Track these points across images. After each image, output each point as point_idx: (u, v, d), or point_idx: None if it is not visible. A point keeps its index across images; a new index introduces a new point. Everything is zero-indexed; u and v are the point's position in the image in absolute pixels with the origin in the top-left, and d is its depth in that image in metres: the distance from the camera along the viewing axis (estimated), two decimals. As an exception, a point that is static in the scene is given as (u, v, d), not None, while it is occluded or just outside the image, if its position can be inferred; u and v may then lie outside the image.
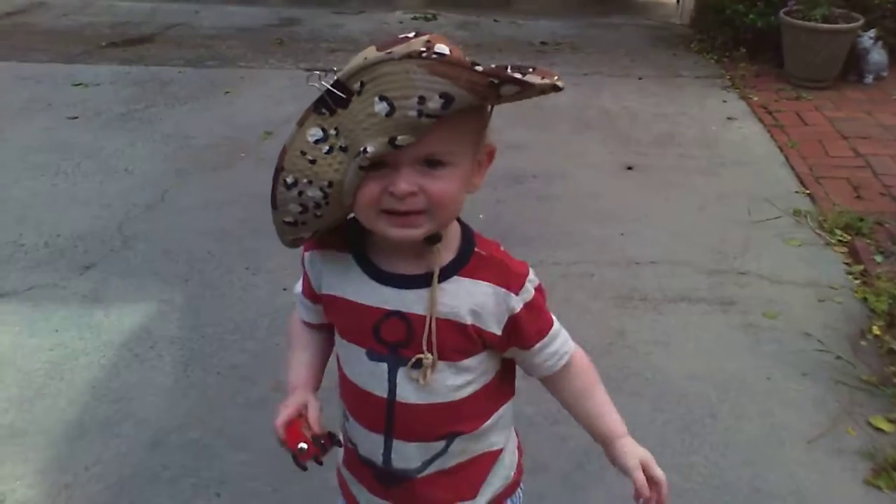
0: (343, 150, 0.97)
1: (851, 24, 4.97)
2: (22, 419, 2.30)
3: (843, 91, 5.05)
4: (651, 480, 1.15)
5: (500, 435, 1.23)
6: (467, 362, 1.11)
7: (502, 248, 1.15)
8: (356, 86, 0.93)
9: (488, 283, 1.09)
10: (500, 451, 1.24)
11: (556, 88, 0.94)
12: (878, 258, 3.10)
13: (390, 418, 1.13)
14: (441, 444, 1.15)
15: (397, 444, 1.14)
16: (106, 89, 4.94)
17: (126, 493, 2.06)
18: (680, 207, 3.60)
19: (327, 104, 0.96)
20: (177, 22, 6.36)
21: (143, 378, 2.47)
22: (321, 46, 5.91)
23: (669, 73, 5.46)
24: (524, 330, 1.12)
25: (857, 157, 4.11)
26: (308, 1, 6.98)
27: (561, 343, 1.18)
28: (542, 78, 0.94)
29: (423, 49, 0.92)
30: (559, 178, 3.80)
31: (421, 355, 1.07)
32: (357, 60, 0.94)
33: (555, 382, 1.21)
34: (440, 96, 0.89)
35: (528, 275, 1.12)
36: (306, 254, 1.17)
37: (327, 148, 0.97)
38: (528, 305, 1.11)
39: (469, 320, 1.08)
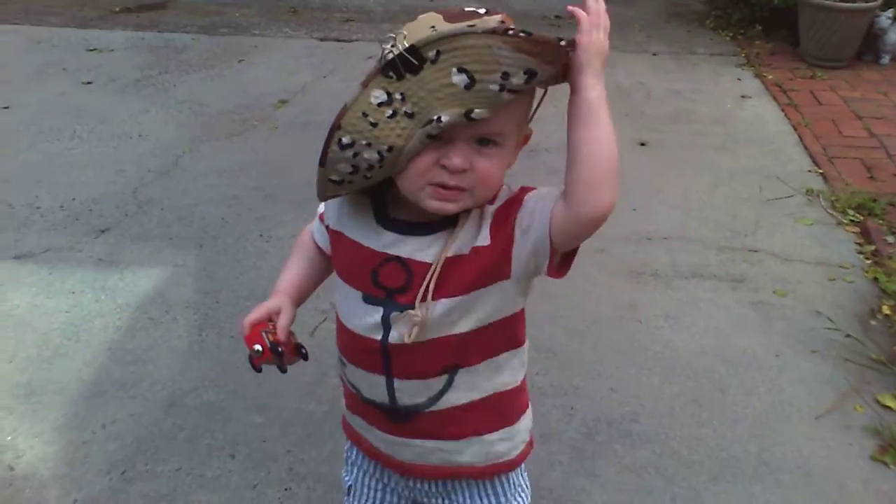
0: (409, 115, 0.95)
1: (870, 4, 4.93)
2: (40, 378, 2.33)
3: (858, 71, 5.01)
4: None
5: (511, 376, 1.19)
6: (464, 298, 1.06)
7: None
8: (431, 53, 0.92)
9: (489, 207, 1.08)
10: (516, 389, 1.20)
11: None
12: (890, 239, 3.10)
13: (387, 360, 1.12)
14: (443, 378, 1.13)
15: (399, 383, 1.13)
16: (120, 55, 4.94)
17: (142, 453, 2.10)
18: (692, 184, 3.59)
19: (397, 68, 0.94)
20: (190, -12, 6.35)
21: (158, 341, 2.50)
22: (335, 16, 5.89)
23: (684, 49, 5.43)
24: (502, 220, 1.05)
25: (871, 137, 4.09)
26: (322, -30, 6.93)
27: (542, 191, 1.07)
28: None
29: (506, 28, 0.92)
30: (572, 153, 3.79)
31: (412, 311, 1.05)
32: (424, 30, 0.93)
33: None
34: (525, 72, 0.91)
35: (509, 188, 1.09)
36: None
37: (391, 112, 0.96)
38: (500, 205, 1.07)
39: (469, 249, 1.05)
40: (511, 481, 1.26)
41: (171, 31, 5.40)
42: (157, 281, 2.79)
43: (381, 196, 1.11)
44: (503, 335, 1.15)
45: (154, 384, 2.33)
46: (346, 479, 1.35)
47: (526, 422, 1.26)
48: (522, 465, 1.28)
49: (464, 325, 1.09)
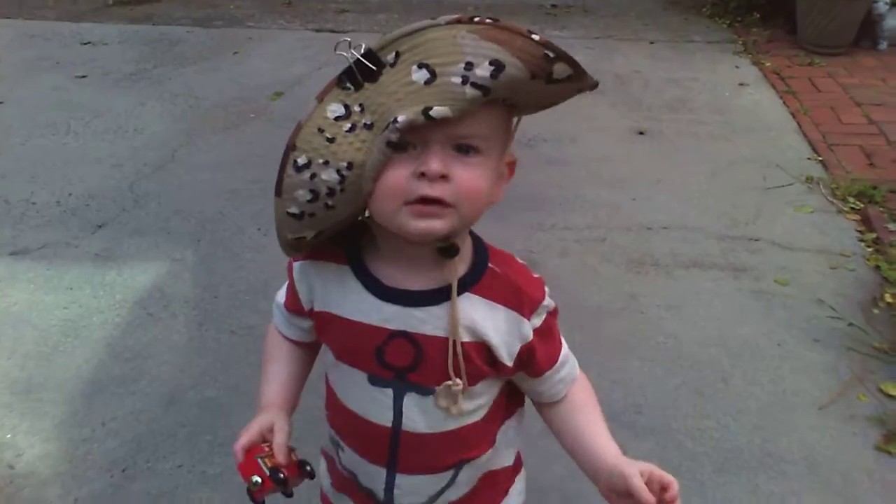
0: (368, 127, 0.85)
1: (868, -10, 4.91)
2: (39, 375, 2.32)
3: (856, 58, 4.99)
4: (658, 484, 0.93)
5: (507, 453, 1.15)
6: (478, 387, 1.02)
7: (519, 261, 1.06)
8: (390, 56, 0.83)
9: (502, 306, 0.99)
10: (509, 468, 1.16)
11: (594, 87, 0.89)
12: (892, 226, 3.09)
13: (394, 449, 1.03)
14: (449, 474, 1.06)
15: (401, 479, 1.05)
16: (114, 48, 4.91)
17: (143, 450, 2.08)
18: (691, 173, 3.58)
19: (353, 77, 0.85)
20: (183, -20, 6.30)
21: (157, 337, 2.48)
22: (330, 7, 5.85)
23: (681, 37, 5.40)
24: (535, 358, 1.03)
25: (870, 124, 4.07)
26: (316, -40, 6.89)
27: (569, 369, 1.09)
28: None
29: (473, 16, 0.83)
30: (570, 142, 3.79)
31: (449, 382, 0.97)
32: (395, 31, 0.85)
33: (554, 408, 1.10)
34: (490, 62, 0.81)
35: (543, 298, 1.03)
36: (296, 264, 1.05)
37: (349, 125, 0.86)
38: (539, 332, 1.02)
39: (483, 340, 0.99)
40: None
41: (165, 23, 5.36)
42: (156, 276, 2.77)
43: (360, 263, 1.00)
44: (508, 403, 1.11)
45: (154, 380, 2.31)
46: None
47: (519, 486, 1.21)
48: None
49: (480, 413, 1.04)
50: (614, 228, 3.09)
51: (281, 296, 1.12)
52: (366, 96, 0.85)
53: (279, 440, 1.02)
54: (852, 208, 3.27)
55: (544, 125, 3.79)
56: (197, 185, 3.37)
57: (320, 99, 0.88)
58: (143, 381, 2.30)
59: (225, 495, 1.95)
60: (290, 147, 0.89)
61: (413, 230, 0.88)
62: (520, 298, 1.00)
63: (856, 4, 4.90)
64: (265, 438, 1.03)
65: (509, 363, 1.00)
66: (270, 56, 4.84)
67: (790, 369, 2.41)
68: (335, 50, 0.86)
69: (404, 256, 0.96)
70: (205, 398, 2.25)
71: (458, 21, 0.82)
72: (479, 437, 1.06)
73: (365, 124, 0.85)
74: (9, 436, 2.12)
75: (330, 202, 0.89)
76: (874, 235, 3.05)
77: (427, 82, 0.82)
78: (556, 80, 0.83)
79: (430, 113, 0.81)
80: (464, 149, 0.88)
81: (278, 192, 0.91)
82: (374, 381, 1.00)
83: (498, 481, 1.15)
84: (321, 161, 0.87)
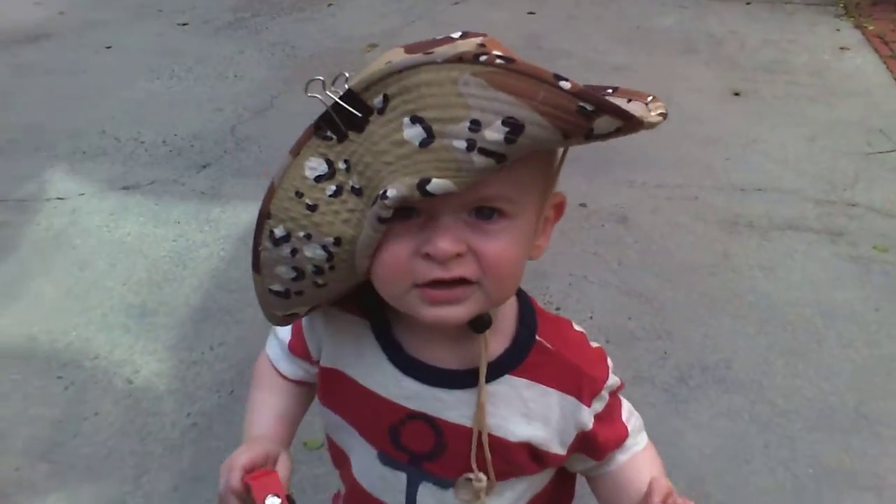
0: (356, 192, 0.68)
1: None
2: (152, 301, 2.45)
3: (968, 23, 4.78)
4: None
5: None
6: (511, 483, 0.85)
7: (577, 329, 0.88)
8: (377, 100, 0.65)
9: (553, 389, 0.82)
10: None
11: (663, 117, 0.68)
12: None
13: None
14: None
15: None
16: (214, -4, 5.05)
17: (248, 374, 2.18)
18: (788, 136, 3.50)
19: (335, 125, 0.68)
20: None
21: (259, 272, 2.59)
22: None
23: (780, -2, 5.25)
24: (596, 444, 0.86)
25: (980, 92, 3.91)
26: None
27: (636, 441, 0.92)
28: (645, 103, 0.70)
29: (480, 53, 0.63)
30: (663, 101, 3.73)
31: (471, 476, 0.81)
32: (377, 64, 0.67)
33: (610, 475, 0.92)
34: (504, 122, 0.60)
35: (607, 378, 0.86)
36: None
37: (334, 188, 0.68)
38: (600, 417, 0.85)
39: (519, 438, 0.82)
40: None
41: (261, -27, 5.46)
42: (256, 215, 2.87)
43: (381, 318, 0.83)
44: (552, 495, 0.94)
45: (258, 311, 2.39)
46: None
47: None
48: None
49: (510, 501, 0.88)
50: (707, 188, 3.07)
51: (284, 331, 0.93)
52: (351, 150, 0.68)
53: (283, 473, 0.82)
54: (958, 177, 3.16)
55: (636, 84, 3.69)
56: (295, 131, 3.35)
57: (295, 153, 0.70)
58: (248, 311, 2.41)
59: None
60: (264, 215, 0.72)
61: (427, 319, 0.72)
62: (578, 381, 0.83)
63: (972, -33, 4.67)
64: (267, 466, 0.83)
65: (562, 451, 0.85)
66: (364, 8, 4.90)
67: (887, 335, 2.37)
68: (305, 92, 0.70)
69: (428, 327, 0.76)
70: (305, 331, 2.34)
71: (460, 59, 0.62)
72: None
73: (353, 188, 0.68)
74: (127, 354, 2.26)
75: (319, 281, 0.74)
76: (981, 205, 2.96)
77: (423, 144, 0.63)
78: (600, 135, 0.62)
79: (428, 187, 0.63)
80: (485, 213, 0.69)
81: (256, 267, 0.76)
82: (386, 460, 0.85)
83: None
84: (302, 234, 0.71)
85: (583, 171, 2.92)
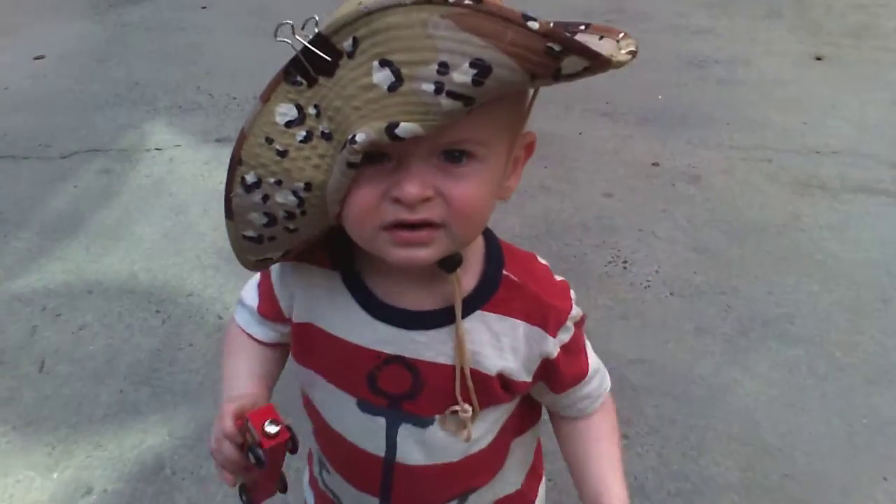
0: (327, 136, 0.67)
1: None
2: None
3: None
4: None
5: (518, 472, 0.99)
6: (486, 412, 0.86)
7: (541, 262, 0.89)
8: (347, 43, 0.63)
9: (520, 321, 0.84)
10: (519, 492, 1.00)
11: (632, 55, 0.65)
12: None
13: (387, 481, 0.88)
14: None
15: None
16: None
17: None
18: (870, 101, 3.47)
19: (304, 70, 0.66)
20: None
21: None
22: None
23: (873, -39, 5.09)
24: (558, 374, 0.88)
25: None
26: None
27: (596, 385, 0.93)
28: (616, 40, 0.68)
29: None
30: (743, 65, 3.73)
31: (457, 408, 0.83)
32: (348, 6, 0.65)
33: (571, 425, 0.95)
34: (472, 64, 0.60)
35: (570, 309, 0.87)
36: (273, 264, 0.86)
37: (304, 134, 0.68)
38: (566, 347, 0.87)
39: (494, 370, 0.84)
40: None
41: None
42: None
43: (351, 268, 0.84)
44: (518, 425, 0.96)
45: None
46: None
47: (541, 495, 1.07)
48: None
49: (486, 439, 0.89)
50: (782, 150, 3.08)
51: (250, 298, 0.93)
52: (321, 95, 0.66)
53: None
54: None
55: (717, 47, 3.76)
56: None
57: (265, 99, 0.69)
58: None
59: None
60: (235, 161, 0.72)
61: (395, 259, 0.72)
62: (543, 310, 0.84)
63: None
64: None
65: (528, 378, 0.86)
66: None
67: (957, 297, 2.39)
68: (275, 36, 0.70)
69: (398, 269, 0.77)
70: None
71: (430, 1, 0.60)
72: (485, 465, 0.92)
73: (323, 133, 0.67)
74: (217, 293, 2.44)
75: (291, 226, 0.74)
76: None
77: (391, 88, 0.62)
78: (568, 75, 0.61)
79: (396, 131, 0.63)
80: (454, 156, 0.69)
81: (228, 213, 0.77)
82: (365, 407, 0.85)
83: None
84: (273, 180, 0.70)
85: (657, 131, 2.96)
